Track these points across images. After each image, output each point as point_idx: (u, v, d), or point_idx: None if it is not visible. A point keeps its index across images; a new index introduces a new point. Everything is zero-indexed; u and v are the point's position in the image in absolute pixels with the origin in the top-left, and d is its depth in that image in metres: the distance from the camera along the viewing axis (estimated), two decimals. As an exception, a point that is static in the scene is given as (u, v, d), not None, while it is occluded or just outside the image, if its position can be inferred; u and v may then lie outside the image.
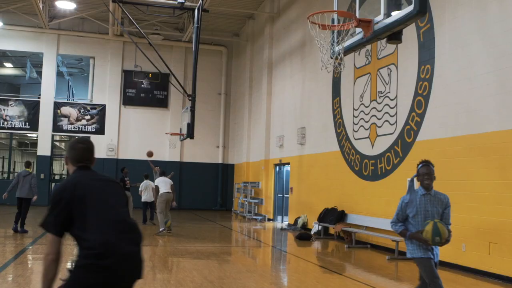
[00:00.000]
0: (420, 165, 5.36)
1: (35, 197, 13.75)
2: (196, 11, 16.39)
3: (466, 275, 9.28)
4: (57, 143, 31.02)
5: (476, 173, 9.45)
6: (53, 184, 27.31)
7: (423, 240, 5.20)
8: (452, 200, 9.85)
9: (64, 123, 25.77)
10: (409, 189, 5.41)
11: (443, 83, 10.56)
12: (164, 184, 14.87)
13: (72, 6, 21.63)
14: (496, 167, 8.99)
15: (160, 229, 14.43)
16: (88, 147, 3.48)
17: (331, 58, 6.90)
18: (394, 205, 12.01)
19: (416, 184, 5.44)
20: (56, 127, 25.71)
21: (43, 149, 25.65)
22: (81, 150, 3.42)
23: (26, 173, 13.87)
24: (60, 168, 35.04)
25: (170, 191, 14.79)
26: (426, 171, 5.30)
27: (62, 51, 26.06)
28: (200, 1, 16.15)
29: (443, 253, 10.33)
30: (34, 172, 21.74)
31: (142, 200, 17.41)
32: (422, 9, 5.39)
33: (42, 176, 25.61)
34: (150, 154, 19.02)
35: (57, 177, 30.25)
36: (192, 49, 17.65)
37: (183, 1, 16.84)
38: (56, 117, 25.69)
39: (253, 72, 24.59)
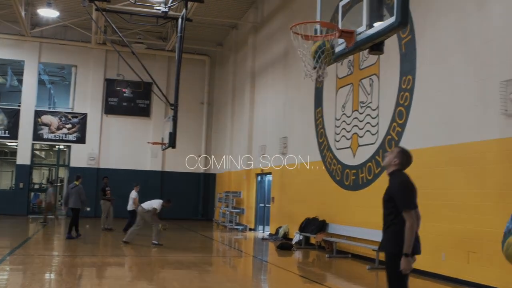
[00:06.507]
0: None
1: (87, 208, 14.38)
2: (179, 20, 16.36)
3: (446, 284, 9.34)
4: (37, 152, 30.64)
5: (456, 183, 9.55)
6: (32, 194, 26.92)
7: None
8: (432, 209, 10.00)
9: (44, 131, 25.50)
10: None
11: (424, 94, 10.68)
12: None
13: (55, 14, 21.49)
14: (476, 177, 9.10)
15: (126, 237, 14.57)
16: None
17: (314, 68, 6.93)
18: (375, 215, 12.08)
19: None
20: (37, 136, 25.43)
21: (23, 158, 25.32)
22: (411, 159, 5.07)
23: (73, 186, 15.33)
24: (40, 177, 34.46)
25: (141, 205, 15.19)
26: None
27: (44, 59, 25.85)
28: (184, 11, 16.14)
29: (422, 262, 10.41)
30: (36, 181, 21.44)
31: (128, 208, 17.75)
32: (404, 21, 5.44)
33: (21, 185, 25.27)
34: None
35: (36, 186, 29.74)
36: (175, 58, 17.62)
37: (167, 10, 16.82)
38: (37, 125, 25.41)
39: (236, 81, 24.62)
